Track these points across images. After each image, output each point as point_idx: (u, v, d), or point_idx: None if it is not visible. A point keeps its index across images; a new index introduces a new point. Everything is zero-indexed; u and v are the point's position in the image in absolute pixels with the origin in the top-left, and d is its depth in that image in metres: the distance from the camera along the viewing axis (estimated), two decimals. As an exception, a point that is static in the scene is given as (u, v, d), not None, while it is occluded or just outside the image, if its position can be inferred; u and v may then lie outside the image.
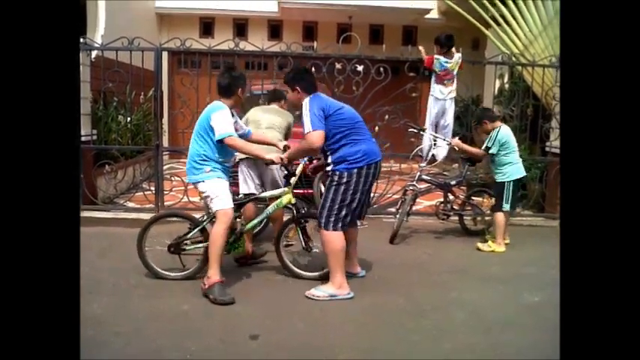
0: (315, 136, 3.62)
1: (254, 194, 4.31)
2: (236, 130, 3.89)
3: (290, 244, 4.33)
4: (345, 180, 3.65)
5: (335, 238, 3.69)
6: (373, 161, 3.73)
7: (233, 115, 3.94)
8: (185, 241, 4.01)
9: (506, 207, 5.15)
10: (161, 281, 3.98)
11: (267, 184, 4.52)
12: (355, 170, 3.65)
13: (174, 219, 4.29)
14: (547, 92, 6.67)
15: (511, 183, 5.12)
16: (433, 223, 6.03)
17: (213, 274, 3.65)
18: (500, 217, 5.15)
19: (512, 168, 5.13)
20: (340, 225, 3.69)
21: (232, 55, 6.36)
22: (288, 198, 4.00)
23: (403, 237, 5.49)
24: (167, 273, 4.03)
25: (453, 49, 6.21)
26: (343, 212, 3.68)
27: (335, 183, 3.68)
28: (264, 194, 4.26)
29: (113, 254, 4.64)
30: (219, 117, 3.75)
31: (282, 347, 2.99)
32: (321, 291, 3.71)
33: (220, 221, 3.72)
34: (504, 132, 5.17)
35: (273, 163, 3.91)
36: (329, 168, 3.79)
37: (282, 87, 4.79)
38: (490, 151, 5.14)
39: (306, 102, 3.75)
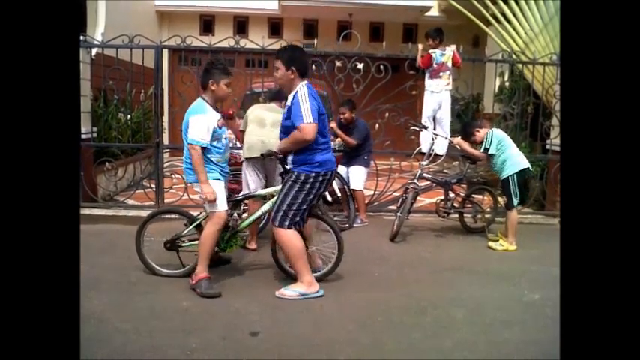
0: (312, 129, 3.47)
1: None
2: (219, 128, 3.80)
3: None
4: (302, 181, 3.60)
5: (290, 236, 3.67)
6: (330, 170, 3.69)
7: (218, 110, 3.89)
8: (181, 238, 4.03)
9: (516, 202, 5.14)
10: (161, 278, 3.99)
11: (273, 182, 4.53)
12: (313, 174, 3.60)
13: (172, 216, 4.30)
14: (547, 90, 6.67)
15: (514, 177, 5.11)
16: (433, 221, 6.03)
17: (201, 271, 3.75)
18: (513, 215, 5.16)
19: (511, 162, 5.13)
20: (289, 223, 3.65)
21: (233, 53, 6.36)
22: None
23: (404, 235, 5.49)
24: (164, 270, 4.05)
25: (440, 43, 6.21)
26: (294, 212, 3.63)
27: (292, 181, 3.63)
28: (260, 192, 4.28)
29: (113, 251, 4.64)
30: (194, 122, 3.71)
31: (283, 344, 2.99)
32: (291, 290, 3.69)
33: (212, 223, 3.77)
34: (497, 132, 5.25)
35: (271, 155, 3.83)
36: (288, 167, 3.70)
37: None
38: (490, 152, 5.14)
39: (304, 90, 3.58)
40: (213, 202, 3.71)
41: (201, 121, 3.71)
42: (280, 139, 3.78)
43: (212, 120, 3.76)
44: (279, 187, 4.00)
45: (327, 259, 4.07)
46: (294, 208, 3.63)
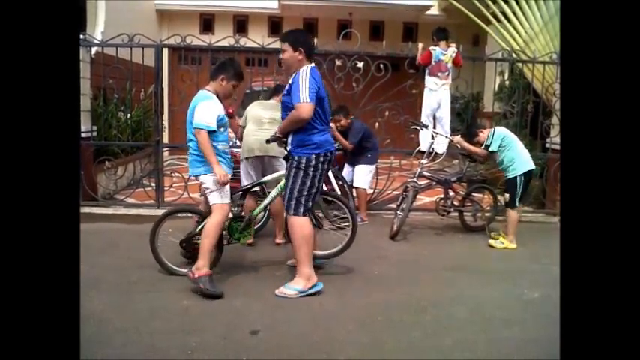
0: (308, 108, 3.51)
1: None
2: (226, 115, 3.84)
3: None
4: (304, 165, 3.64)
5: (303, 223, 3.70)
6: (329, 150, 3.72)
7: (221, 100, 3.91)
8: (196, 236, 4.01)
9: (518, 202, 5.15)
10: (161, 277, 3.98)
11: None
12: (314, 156, 3.64)
13: (185, 214, 4.30)
14: (547, 89, 6.67)
15: (522, 177, 5.11)
16: (434, 219, 6.04)
17: (203, 266, 3.67)
18: (513, 213, 5.16)
19: (519, 161, 5.12)
20: (304, 209, 3.70)
21: (233, 52, 6.35)
22: None
23: (403, 233, 5.49)
24: (179, 269, 4.02)
25: (446, 43, 6.22)
26: (305, 197, 3.68)
27: (295, 168, 3.67)
28: (266, 178, 4.34)
29: (113, 251, 4.65)
30: (203, 107, 3.74)
31: (283, 343, 2.99)
32: (290, 288, 3.70)
33: (216, 214, 3.76)
34: (500, 130, 5.23)
35: (275, 140, 3.85)
36: (289, 148, 3.75)
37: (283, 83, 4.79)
38: (490, 149, 5.14)
39: (307, 70, 3.60)
40: (225, 184, 3.71)
41: (209, 107, 3.74)
42: (282, 117, 3.83)
43: (218, 106, 3.80)
44: (282, 173, 4.06)
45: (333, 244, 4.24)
46: (305, 193, 3.68)
